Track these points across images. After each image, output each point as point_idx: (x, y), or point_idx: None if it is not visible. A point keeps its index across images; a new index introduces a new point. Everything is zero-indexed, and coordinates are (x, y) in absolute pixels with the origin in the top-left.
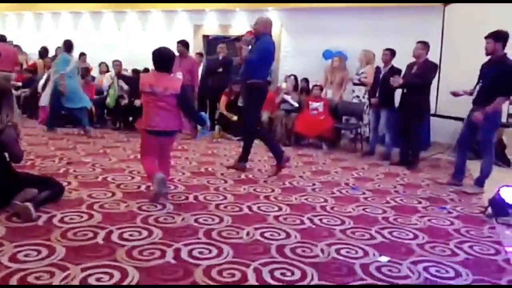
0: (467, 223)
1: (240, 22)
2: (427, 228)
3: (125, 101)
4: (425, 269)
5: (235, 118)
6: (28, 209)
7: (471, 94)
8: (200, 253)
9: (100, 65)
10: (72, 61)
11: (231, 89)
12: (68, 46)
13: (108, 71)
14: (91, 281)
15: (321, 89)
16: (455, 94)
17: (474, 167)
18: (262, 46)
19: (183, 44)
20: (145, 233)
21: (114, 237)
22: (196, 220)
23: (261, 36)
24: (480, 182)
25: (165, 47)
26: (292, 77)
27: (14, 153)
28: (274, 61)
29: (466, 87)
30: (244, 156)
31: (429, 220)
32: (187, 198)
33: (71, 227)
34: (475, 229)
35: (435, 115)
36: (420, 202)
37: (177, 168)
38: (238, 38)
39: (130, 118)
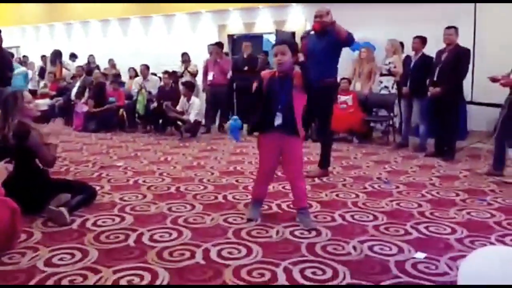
0: (509, 215)
1: (264, 19)
2: (466, 222)
3: (154, 105)
4: None
5: None
6: (63, 213)
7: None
8: (230, 253)
9: (129, 70)
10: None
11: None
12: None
13: (137, 75)
14: (123, 283)
15: (349, 82)
16: (493, 79)
17: None
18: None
19: (219, 46)
20: (175, 234)
21: (145, 239)
22: (225, 220)
23: (331, 29)
24: None
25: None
26: None
27: (43, 157)
28: None
29: (502, 72)
30: (327, 161)
31: (468, 213)
32: (216, 197)
33: (103, 230)
34: None
35: (471, 102)
36: (458, 195)
37: (206, 168)
38: (303, 36)
39: (160, 121)
